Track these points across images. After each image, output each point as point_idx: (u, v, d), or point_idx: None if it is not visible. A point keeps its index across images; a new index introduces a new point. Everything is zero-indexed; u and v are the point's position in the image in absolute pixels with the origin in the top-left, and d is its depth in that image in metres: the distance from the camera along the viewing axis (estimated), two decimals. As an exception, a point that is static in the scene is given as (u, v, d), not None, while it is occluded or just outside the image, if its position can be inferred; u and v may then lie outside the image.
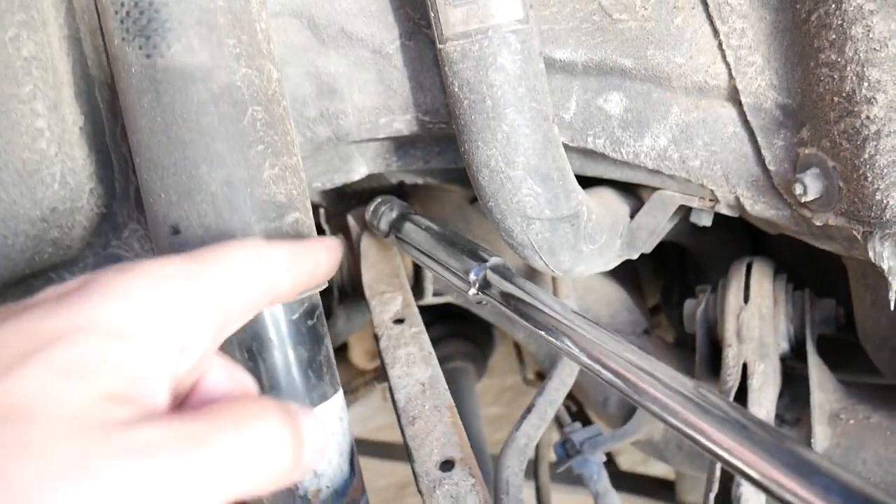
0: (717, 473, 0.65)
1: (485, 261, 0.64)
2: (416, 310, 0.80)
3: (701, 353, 0.86)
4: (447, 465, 0.62)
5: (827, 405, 0.79)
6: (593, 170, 0.77)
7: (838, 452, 0.76)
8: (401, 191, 1.04)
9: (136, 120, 0.55)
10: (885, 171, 0.58)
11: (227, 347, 0.57)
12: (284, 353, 0.59)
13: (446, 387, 0.70)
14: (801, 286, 0.86)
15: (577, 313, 0.54)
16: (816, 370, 0.80)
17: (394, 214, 0.79)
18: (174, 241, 0.56)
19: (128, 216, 0.70)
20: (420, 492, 0.60)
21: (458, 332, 1.42)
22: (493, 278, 0.63)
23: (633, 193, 0.82)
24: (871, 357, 0.76)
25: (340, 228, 0.94)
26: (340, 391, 0.64)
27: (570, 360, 0.52)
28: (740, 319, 0.80)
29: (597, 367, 0.50)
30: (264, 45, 0.58)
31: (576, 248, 0.71)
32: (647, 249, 0.79)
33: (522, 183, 0.65)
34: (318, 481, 0.62)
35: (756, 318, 0.79)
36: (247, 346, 0.57)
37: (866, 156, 0.58)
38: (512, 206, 0.67)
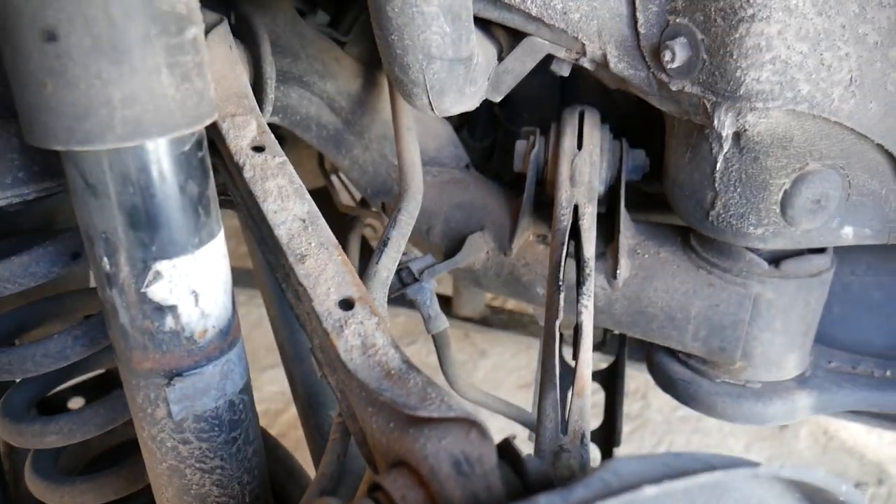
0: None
1: None
2: (273, 136, 0.75)
3: (529, 192, 0.93)
4: (346, 304, 0.62)
5: (626, 241, 0.93)
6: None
7: (636, 281, 0.90)
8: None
9: None
10: (750, 52, 0.66)
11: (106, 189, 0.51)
12: (175, 189, 0.54)
13: (325, 223, 0.69)
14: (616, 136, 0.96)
15: None
16: (623, 212, 0.92)
17: None
18: (48, 48, 0.47)
19: None
20: (324, 331, 0.60)
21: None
22: None
23: (493, 35, 0.83)
24: (674, 204, 0.89)
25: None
26: (222, 227, 0.61)
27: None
28: (574, 164, 0.88)
29: None
30: None
31: (461, 91, 0.71)
32: (506, 93, 0.82)
33: (434, 20, 0.63)
34: (206, 322, 0.60)
35: (588, 164, 0.88)
36: (132, 181, 0.51)
37: (737, 35, 0.66)
38: (417, 42, 0.65)
